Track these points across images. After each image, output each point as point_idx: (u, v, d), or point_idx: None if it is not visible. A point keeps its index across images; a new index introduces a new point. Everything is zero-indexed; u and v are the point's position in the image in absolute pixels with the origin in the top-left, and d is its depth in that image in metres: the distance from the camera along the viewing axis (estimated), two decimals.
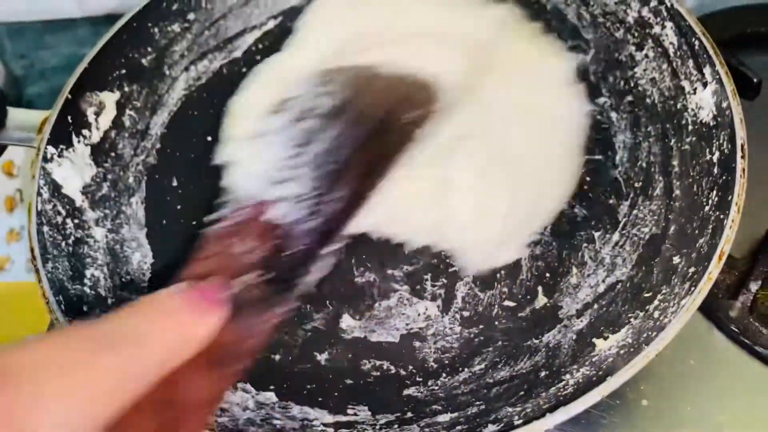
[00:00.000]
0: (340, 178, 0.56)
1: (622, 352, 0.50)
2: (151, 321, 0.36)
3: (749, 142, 0.55)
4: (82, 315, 0.57)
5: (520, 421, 0.48)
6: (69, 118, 0.66)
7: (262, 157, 0.60)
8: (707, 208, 0.55)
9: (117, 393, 0.31)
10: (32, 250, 0.58)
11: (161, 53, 0.74)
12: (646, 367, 0.56)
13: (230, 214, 0.54)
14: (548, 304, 0.59)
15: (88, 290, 0.59)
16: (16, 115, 0.67)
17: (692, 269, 0.52)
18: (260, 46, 0.79)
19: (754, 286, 0.60)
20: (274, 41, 0.79)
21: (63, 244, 0.61)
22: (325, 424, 0.53)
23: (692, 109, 0.61)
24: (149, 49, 0.74)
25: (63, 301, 0.56)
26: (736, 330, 0.60)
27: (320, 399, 0.56)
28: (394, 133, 0.61)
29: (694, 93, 0.61)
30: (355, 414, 0.54)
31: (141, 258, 0.65)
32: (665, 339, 0.47)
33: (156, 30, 0.74)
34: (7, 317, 0.74)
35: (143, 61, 0.73)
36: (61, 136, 0.65)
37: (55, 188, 0.63)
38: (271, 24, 0.80)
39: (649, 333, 0.50)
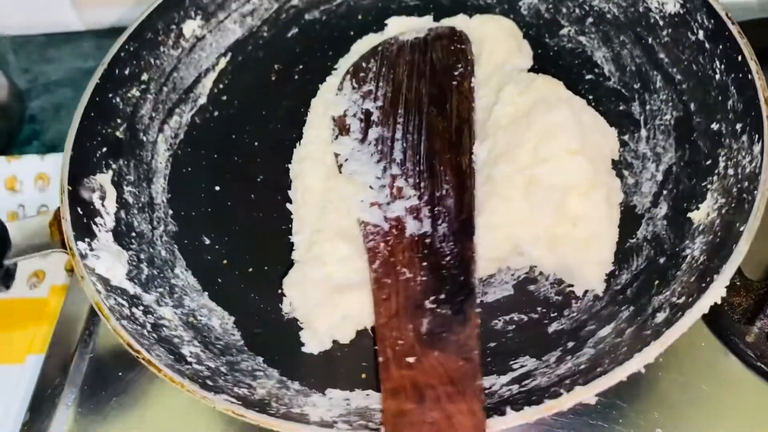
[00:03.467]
0: (433, 169, 0.57)
1: (723, 211, 0.55)
2: None
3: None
4: (214, 390, 0.51)
5: (681, 299, 0.51)
6: (79, 210, 0.60)
7: (357, 186, 0.59)
8: (717, 76, 0.62)
9: None
10: (130, 345, 0.51)
11: (131, 121, 0.70)
12: (660, 394, 0.58)
13: (373, 240, 0.55)
14: (621, 208, 0.63)
15: (198, 366, 0.54)
16: (17, 229, 0.59)
17: (740, 124, 0.58)
18: (221, 86, 0.76)
19: None
20: (232, 78, 0.77)
21: (146, 332, 0.55)
22: (504, 385, 0.53)
23: (656, 8, 0.68)
24: (119, 121, 0.69)
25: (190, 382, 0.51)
26: (753, 356, 0.57)
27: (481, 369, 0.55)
28: (453, 96, 0.63)
29: None
30: (523, 365, 0.54)
31: (220, 321, 0.60)
32: (766, 180, 0.53)
33: (118, 99, 0.69)
34: (9, 333, 0.71)
35: (117, 133, 0.68)
36: (81, 229, 0.59)
37: (105, 283, 0.57)
38: (223, 62, 0.78)
39: (740, 185, 0.55)
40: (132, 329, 0.54)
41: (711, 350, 0.59)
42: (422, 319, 0.50)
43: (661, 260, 0.57)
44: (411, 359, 0.48)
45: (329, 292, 0.56)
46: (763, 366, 0.57)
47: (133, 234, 0.64)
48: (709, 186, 0.59)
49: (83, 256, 0.57)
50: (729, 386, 0.58)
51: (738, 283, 0.60)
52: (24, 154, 0.84)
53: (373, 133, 0.63)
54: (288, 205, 0.66)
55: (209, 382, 0.52)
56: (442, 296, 0.52)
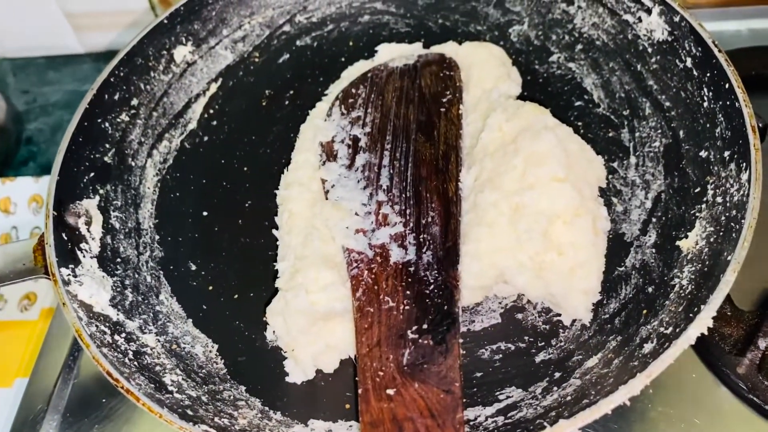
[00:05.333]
0: (419, 196, 0.57)
1: (711, 239, 0.55)
2: None
3: None
4: (193, 420, 0.50)
5: (668, 329, 0.50)
6: (64, 235, 0.60)
7: (342, 212, 0.59)
8: (706, 103, 0.62)
9: None
10: (109, 374, 0.51)
11: (120, 146, 0.69)
12: (650, 426, 0.57)
13: (357, 268, 0.55)
14: (610, 236, 0.62)
15: (178, 395, 0.53)
16: (0, 254, 0.59)
17: (727, 152, 0.58)
18: (211, 111, 0.76)
19: (762, 343, 0.56)
20: (223, 104, 0.77)
21: (126, 360, 0.54)
22: (489, 416, 0.52)
23: (644, 35, 0.69)
24: (107, 146, 0.69)
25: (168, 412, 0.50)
26: (744, 387, 0.56)
27: (466, 400, 0.54)
28: (441, 122, 0.63)
29: (640, 21, 0.69)
30: (509, 396, 0.54)
31: (204, 348, 0.59)
32: (753, 208, 0.52)
33: (107, 124, 0.69)
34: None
35: (106, 159, 0.68)
36: (66, 255, 0.59)
37: (88, 309, 0.56)
38: (214, 88, 0.78)
39: (728, 214, 0.55)
40: (113, 357, 0.53)
41: (702, 382, 0.58)
42: (404, 350, 0.50)
43: (650, 289, 0.57)
44: (391, 391, 0.47)
45: (312, 321, 0.55)
46: (754, 398, 0.56)
47: (119, 260, 0.63)
48: (697, 214, 0.58)
49: (66, 283, 0.56)
50: (720, 419, 0.56)
51: (729, 314, 0.59)
52: (20, 175, 0.84)
53: (361, 159, 0.63)
54: (274, 231, 0.65)
55: (189, 412, 0.51)
56: (425, 326, 0.51)
